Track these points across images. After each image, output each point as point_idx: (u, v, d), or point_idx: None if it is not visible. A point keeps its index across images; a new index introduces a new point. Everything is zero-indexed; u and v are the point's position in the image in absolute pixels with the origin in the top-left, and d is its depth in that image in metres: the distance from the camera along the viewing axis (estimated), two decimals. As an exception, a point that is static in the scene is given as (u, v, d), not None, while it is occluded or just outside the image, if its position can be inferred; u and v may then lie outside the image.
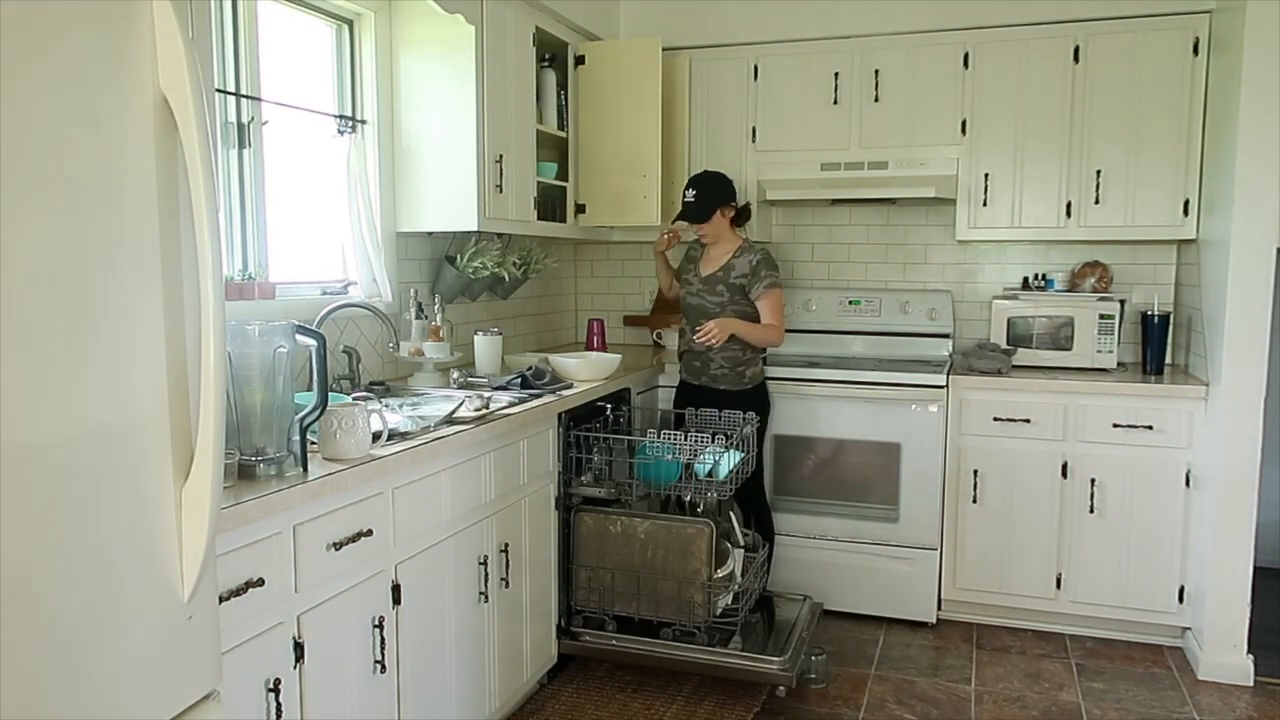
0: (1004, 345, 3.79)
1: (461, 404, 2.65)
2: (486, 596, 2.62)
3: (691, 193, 3.39)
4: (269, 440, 1.88)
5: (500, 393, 2.92)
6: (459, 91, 3.14)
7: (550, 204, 3.77)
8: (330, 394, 2.06)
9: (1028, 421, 3.54)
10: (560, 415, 3.03)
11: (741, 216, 3.49)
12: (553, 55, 3.81)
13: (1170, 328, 3.74)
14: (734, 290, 3.42)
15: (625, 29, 4.20)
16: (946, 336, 4.08)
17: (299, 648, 1.90)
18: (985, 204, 3.80)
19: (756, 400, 3.54)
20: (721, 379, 3.50)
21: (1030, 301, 3.81)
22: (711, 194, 3.39)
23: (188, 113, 1.28)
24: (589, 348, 4.16)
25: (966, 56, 3.76)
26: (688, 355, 3.57)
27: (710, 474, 3.04)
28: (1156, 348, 3.68)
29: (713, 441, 3.06)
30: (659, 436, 3.05)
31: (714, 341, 3.32)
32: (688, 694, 3.09)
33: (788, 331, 4.22)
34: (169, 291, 1.30)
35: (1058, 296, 3.81)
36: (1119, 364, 3.79)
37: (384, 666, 2.16)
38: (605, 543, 3.09)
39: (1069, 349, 3.73)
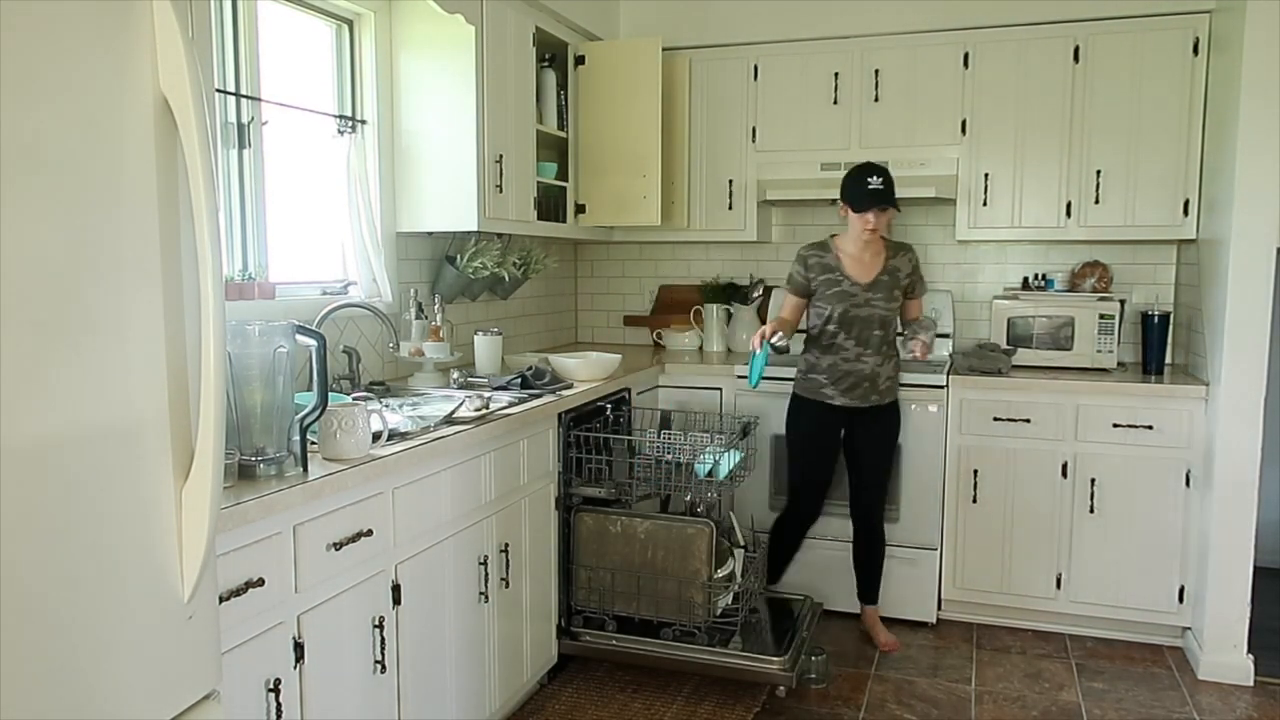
0: (1004, 345, 3.78)
1: (461, 404, 2.65)
2: (486, 596, 2.62)
3: (878, 179, 3.17)
4: (269, 440, 1.88)
5: (500, 393, 2.92)
6: (459, 92, 3.14)
7: (550, 204, 3.77)
8: (330, 394, 2.06)
9: (1028, 421, 3.54)
10: (560, 415, 3.03)
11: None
12: (553, 55, 3.81)
13: (1170, 328, 3.74)
14: (903, 292, 3.37)
15: (625, 29, 4.20)
16: (946, 336, 4.08)
17: (299, 648, 1.90)
18: (985, 204, 3.80)
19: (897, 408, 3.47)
20: (888, 393, 3.39)
21: (1030, 301, 3.80)
22: (892, 184, 3.21)
23: (188, 113, 1.28)
24: None
25: (966, 56, 3.76)
26: (848, 377, 3.30)
27: (710, 474, 3.04)
28: (1156, 348, 3.68)
29: (712, 442, 3.07)
30: (659, 436, 3.05)
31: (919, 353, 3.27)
32: (688, 694, 3.09)
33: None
34: (169, 292, 1.30)
35: (1058, 296, 3.81)
36: (1119, 364, 3.79)
37: (384, 666, 2.16)
38: (605, 543, 3.09)
39: (1069, 349, 3.73)
